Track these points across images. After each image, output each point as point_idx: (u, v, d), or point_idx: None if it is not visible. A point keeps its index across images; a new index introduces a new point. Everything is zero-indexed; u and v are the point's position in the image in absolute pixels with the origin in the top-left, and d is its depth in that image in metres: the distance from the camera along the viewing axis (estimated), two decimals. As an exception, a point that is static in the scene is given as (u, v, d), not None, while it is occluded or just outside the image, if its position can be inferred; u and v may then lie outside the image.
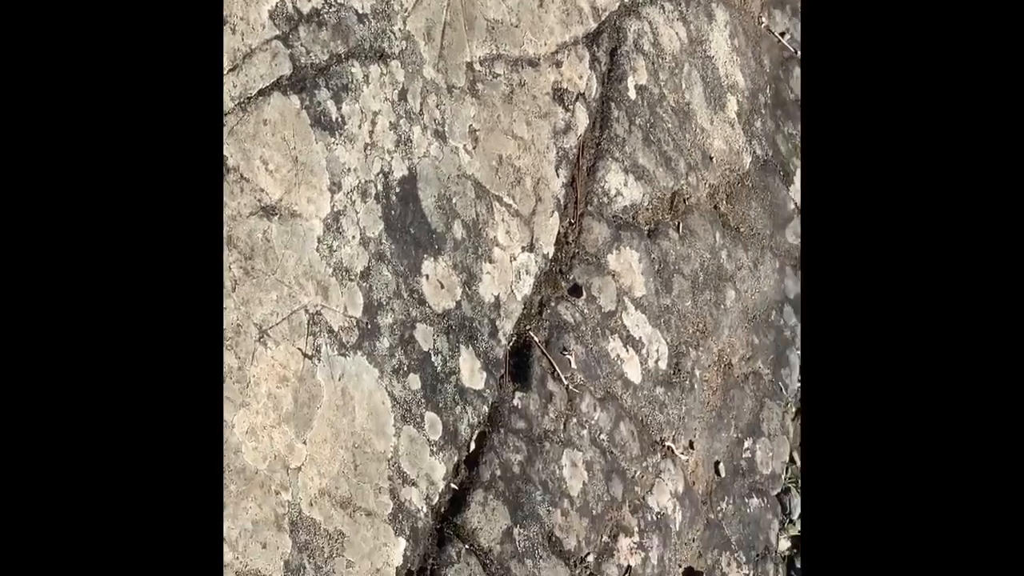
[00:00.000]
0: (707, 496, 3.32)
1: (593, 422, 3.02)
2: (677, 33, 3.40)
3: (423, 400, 2.64)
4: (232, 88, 2.35)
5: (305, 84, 2.49)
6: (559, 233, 3.02)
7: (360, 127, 2.57)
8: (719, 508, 3.35)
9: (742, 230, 3.54)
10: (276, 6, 2.45)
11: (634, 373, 3.15)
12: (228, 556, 2.24)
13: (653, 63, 3.31)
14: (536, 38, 2.99)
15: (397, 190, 2.64)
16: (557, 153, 3.01)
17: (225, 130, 2.34)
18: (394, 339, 2.59)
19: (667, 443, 3.21)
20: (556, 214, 3.00)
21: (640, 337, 3.18)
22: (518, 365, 2.89)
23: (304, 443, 2.41)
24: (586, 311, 3.06)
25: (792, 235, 3.68)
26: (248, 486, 2.30)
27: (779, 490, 3.56)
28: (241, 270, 2.33)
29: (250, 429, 2.31)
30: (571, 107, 3.06)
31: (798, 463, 3.62)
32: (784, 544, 3.55)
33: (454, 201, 2.75)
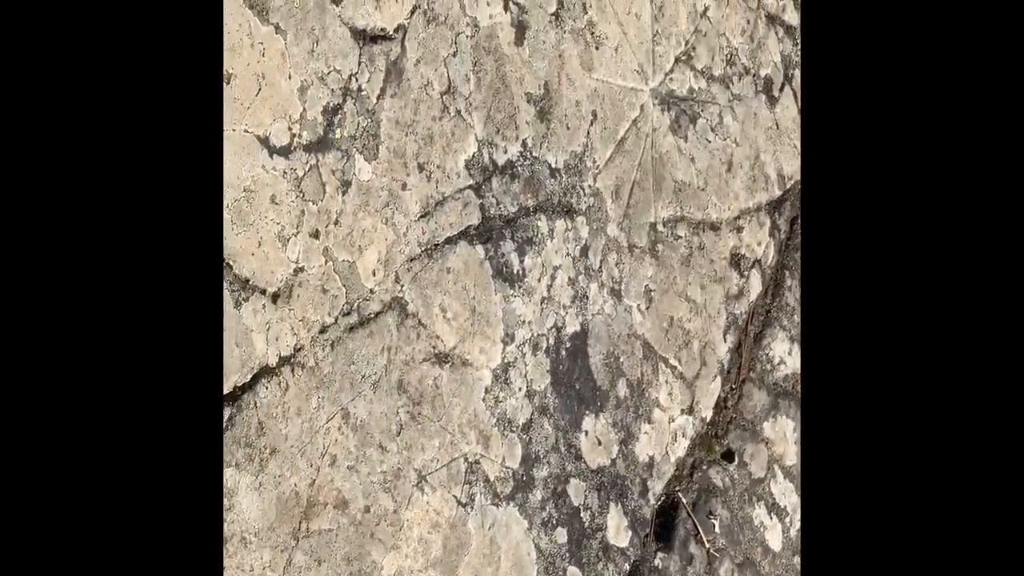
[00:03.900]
0: (833, 669, 3.30)
1: (730, 588, 3.02)
2: (859, 205, 3.41)
3: (567, 554, 2.66)
4: (421, 234, 2.40)
5: (491, 235, 2.53)
6: (719, 397, 3.03)
7: (539, 280, 2.61)
8: None
9: (900, 406, 3.52)
10: (472, 156, 2.50)
11: (775, 541, 3.15)
12: None
13: (832, 233, 3.32)
14: (721, 202, 3.02)
15: (568, 345, 2.67)
16: (727, 318, 3.03)
17: (408, 275, 2.39)
18: (547, 492, 2.62)
19: (800, 614, 3.20)
20: (719, 378, 3.01)
21: (785, 506, 3.18)
22: (663, 525, 2.90)
23: (446, 587, 2.44)
24: (736, 476, 3.06)
25: (949, 414, 3.66)
26: (388, 630, 2.33)
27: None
28: (408, 415, 2.37)
29: (398, 572, 2.34)
30: (746, 273, 3.08)
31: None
32: None
33: (621, 360, 2.77)
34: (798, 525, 3.21)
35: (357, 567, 2.29)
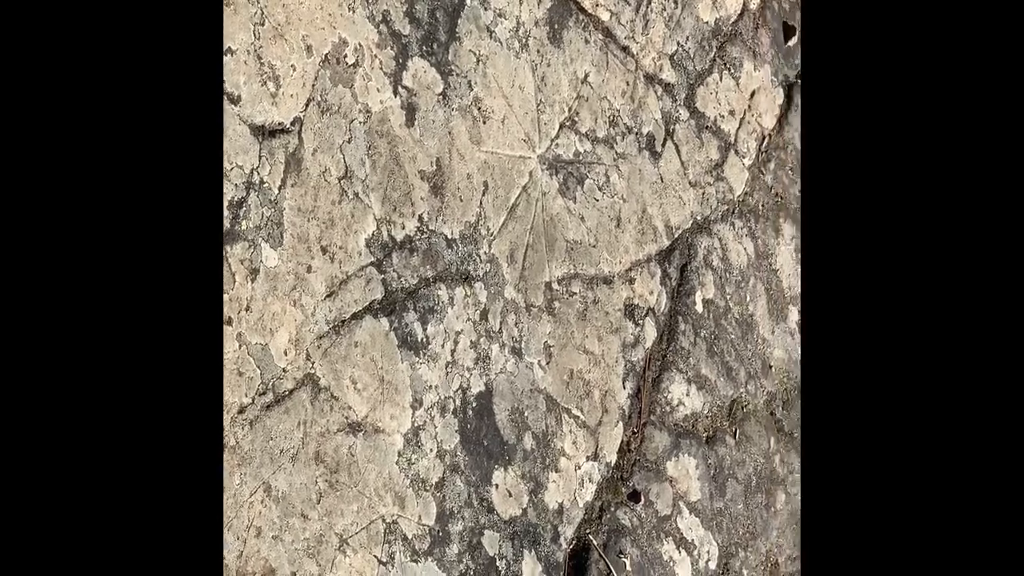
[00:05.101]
0: None
1: (644, 622, 3.17)
2: (745, 248, 3.58)
3: (486, 602, 2.81)
4: (328, 313, 2.55)
5: (395, 307, 2.68)
6: (622, 442, 3.19)
7: (443, 347, 2.77)
8: None
9: (795, 435, 3.70)
10: (372, 234, 2.65)
11: (685, 574, 3.31)
12: None
13: (721, 277, 3.49)
14: (612, 257, 3.18)
15: (474, 404, 2.82)
16: (625, 366, 3.19)
17: (319, 352, 2.53)
18: (463, 545, 2.76)
19: (713, 641, 3.35)
20: (621, 424, 3.18)
21: (693, 539, 3.34)
22: (576, 567, 3.05)
23: (373, 643, 2.58)
24: (643, 515, 3.22)
25: (845, 439, 3.83)
26: None
27: None
28: (326, 483, 2.52)
29: (325, 633, 2.48)
30: (641, 322, 3.25)
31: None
32: None
33: (526, 414, 2.93)
34: (707, 558, 3.37)
35: (287, 631, 2.43)
